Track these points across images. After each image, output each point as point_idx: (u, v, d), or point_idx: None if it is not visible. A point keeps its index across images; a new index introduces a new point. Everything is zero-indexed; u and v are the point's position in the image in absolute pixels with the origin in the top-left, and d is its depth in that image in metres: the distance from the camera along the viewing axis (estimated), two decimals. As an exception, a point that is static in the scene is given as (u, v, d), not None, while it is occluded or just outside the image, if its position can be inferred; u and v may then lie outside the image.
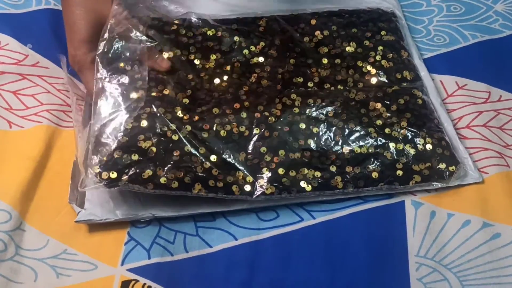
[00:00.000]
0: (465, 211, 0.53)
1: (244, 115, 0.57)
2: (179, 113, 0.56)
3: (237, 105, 0.58)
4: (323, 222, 0.53)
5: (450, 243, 0.51)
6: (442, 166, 0.55)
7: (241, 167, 0.53)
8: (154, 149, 0.52)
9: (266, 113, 0.57)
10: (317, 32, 0.65)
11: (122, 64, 0.58)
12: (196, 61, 0.62)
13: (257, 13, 0.67)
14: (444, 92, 0.64)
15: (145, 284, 0.49)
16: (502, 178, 0.56)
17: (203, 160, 0.53)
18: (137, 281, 0.49)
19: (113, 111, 0.55)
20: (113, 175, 0.51)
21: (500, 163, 0.57)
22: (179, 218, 0.53)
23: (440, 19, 0.72)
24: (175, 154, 0.53)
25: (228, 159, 0.54)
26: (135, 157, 0.52)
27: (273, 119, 0.57)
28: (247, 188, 0.53)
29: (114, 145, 0.53)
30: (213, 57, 0.62)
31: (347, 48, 0.64)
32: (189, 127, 0.55)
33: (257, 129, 0.56)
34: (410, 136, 0.56)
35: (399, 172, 0.55)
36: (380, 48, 0.63)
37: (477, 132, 0.60)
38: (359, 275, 0.50)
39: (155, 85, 0.58)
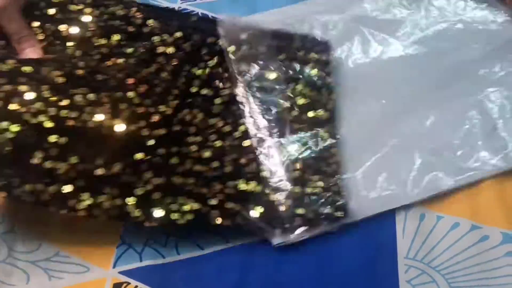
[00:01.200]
0: (454, 214, 0.54)
1: (123, 106, 0.48)
2: (45, 93, 0.47)
3: (119, 94, 0.49)
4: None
5: (439, 245, 0.52)
6: (330, 210, 0.51)
7: (112, 182, 0.46)
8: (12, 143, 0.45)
9: (152, 109, 0.50)
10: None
11: None
12: (93, 40, 0.54)
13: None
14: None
15: (136, 286, 0.49)
16: (491, 181, 0.56)
17: (68, 169, 0.45)
18: (128, 283, 0.49)
19: None
20: None
21: (489, 166, 0.57)
22: (171, 220, 0.53)
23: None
24: (37, 156, 0.45)
25: (97, 170, 0.46)
26: None
27: (157, 117, 0.50)
28: (112, 212, 0.47)
29: None
30: (115, 37, 0.55)
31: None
32: (53, 111, 0.46)
33: (133, 127, 0.48)
34: (302, 180, 0.52)
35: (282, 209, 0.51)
36: (301, 83, 0.57)
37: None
38: (349, 277, 0.50)
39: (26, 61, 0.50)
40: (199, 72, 0.55)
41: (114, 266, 0.50)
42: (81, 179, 0.46)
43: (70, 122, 0.46)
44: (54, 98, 0.47)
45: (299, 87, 0.57)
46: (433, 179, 0.54)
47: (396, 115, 0.58)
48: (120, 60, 0.52)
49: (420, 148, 0.56)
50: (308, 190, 0.52)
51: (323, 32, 0.64)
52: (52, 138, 0.46)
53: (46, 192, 0.45)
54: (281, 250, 0.52)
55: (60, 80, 0.48)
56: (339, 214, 0.51)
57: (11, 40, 0.54)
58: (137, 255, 0.51)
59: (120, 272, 0.50)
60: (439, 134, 0.58)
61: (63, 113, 0.47)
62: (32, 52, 0.53)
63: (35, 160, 0.45)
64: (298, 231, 0.50)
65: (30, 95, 0.46)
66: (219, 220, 0.49)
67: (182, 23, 0.58)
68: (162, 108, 0.51)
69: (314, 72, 0.58)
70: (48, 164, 0.45)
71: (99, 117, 0.47)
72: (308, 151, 0.54)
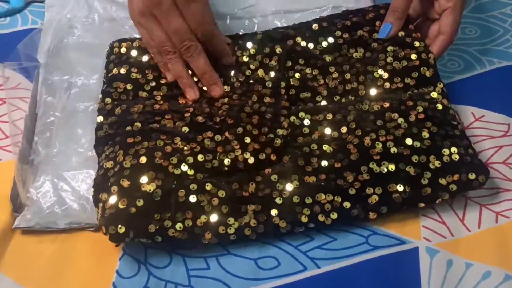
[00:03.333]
0: (485, 261, 0.49)
1: (248, 140, 0.52)
2: (179, 144, 0.51)
3: (240, 130, 0.53)
4: (328, 272, 0.48)
5: (469, 297, 0.47)
6: (472, 176, 0.50)
7: (252, 200, 0.49)
8: (159, 191, 0.48)
9: (271, 135, 0.53)
10: (321, 39, 0.60)
11: (115, 95, 0.55)
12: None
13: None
14: (458, 119, 0.58)
15: None
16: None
17: (211, 197, 0.48)
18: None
19: (108, 147, 0.52)
20: (121, 229, 0.46)
21: (522, 205, 0.52)
22: (170, 266, 0.48)
23: (454, 42, 0.66)
24: (180, 195, 0.48)
25: (237, 193, 0.49)
26: (140, 203, 0.47)
27: (279, 141, 0.52)
28: (261, 229, 0.48)
29: (115, 192, 0.47)
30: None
31: (354, 55, 0.59)
32: (191, 159, 0.50)
33: (262, 155, 0.51)
34: (433, 147, 0.52)
35: (426, 190, 0.50)
36: (389, 48, 0.59)
37: (496, 170, 0.55)
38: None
39: (152, 117, 0.53)
40: (292, 83, 0.58)
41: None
42: (226, 205, 0.48)
43: (208, 165, 0.50)
44: (187, 147, 0.51)
45: (389, 54, 0.58)
46: None
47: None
48: (225, 100, 0.56)
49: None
50: (445, 158, 0.51)
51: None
52: (192, 175, 0.50)
53: (196, 225, 0.47)
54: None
55: (186, 129, 0.52)
56: (481, 178, 0.51)
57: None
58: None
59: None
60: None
61: (200, 158, 0.50)
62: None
63: (180, 199, 0.48)
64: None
65: (168, 148, 0.50)
66: (362, 214, 0.50)
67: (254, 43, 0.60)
68: (280, 131, 0.54)
69: (398, 33, 0.60)
70: (192, 199, 0.48)
71: (231, 154, 0.51)
72: (429, 118, 0.54)
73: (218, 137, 0.52)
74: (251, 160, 0.51)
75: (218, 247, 0.50)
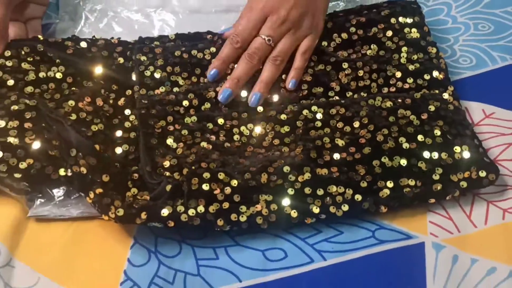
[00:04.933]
0: (490, 257, 0.49)
1: (258, 129, 0.54)
2: (197, 134, 0.54)
3: (250, 126, 0.55)
4: (334, 265, 0.49)
5: (473, 292, 0.47)
6: (482, 174, 0.51)
7: (264, 190, 0.50)
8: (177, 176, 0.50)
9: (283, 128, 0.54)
10: (335, 35, 0.61)
11: None
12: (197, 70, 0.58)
13: None
14: (469, 121, 0.59)
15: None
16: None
17: (223, 186, 0.50)
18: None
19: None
20: (130, 210, 0.48)
21: (530, 202, 0.52)
22: (180, 255, 0.50)
23: (466, 38, 0.67)
24: (193, 183, 0.49)
25: (250, 182, 0.50)
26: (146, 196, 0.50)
27: (291, 134, 0.54)
28: (272, 218, 0.49)
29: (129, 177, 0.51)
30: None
31: (368, 52, 0.60)
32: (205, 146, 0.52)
33: (275, 148, 0.53)
34: (445, 145, 0.52)
35: (437, 186, 0.51)
36: (404, 49, 0.60)
37: (506, 168, 0.55)
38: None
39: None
40: (304, 79, 0.59)
41: (115, 308, 0.47)
42: (238, 194, 0.49)
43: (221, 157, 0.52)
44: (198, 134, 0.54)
45: (403, 55, 0.59)
46: None
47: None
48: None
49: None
50: (456, 155, 0.52)
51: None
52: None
53: (208, 211, 0.49)
54: None
55: (194, 119, 0.55)
56: (491, 177, 0.51)
57: None
58: (142, 295, 0.47)
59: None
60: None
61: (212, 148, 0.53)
62: None
63: (193, 187, 0.49)
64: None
65: (178, 135, 0.54)
66: (372, 207, 0.50)
67: None
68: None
69: (412, 35, 0.61)
70: (205, 187, 0.49)
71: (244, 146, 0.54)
72: (441, 117, 0.55)
73: (227, 125, 0.55)
74: (262, 151, 0.53)
75: (227, 238, 0.51)
